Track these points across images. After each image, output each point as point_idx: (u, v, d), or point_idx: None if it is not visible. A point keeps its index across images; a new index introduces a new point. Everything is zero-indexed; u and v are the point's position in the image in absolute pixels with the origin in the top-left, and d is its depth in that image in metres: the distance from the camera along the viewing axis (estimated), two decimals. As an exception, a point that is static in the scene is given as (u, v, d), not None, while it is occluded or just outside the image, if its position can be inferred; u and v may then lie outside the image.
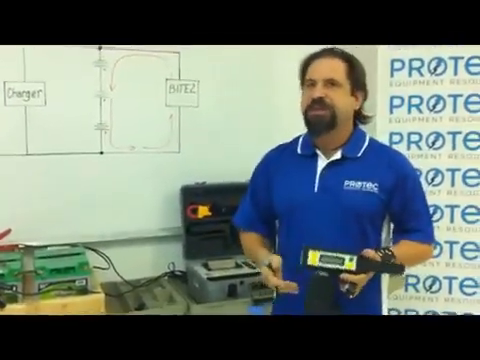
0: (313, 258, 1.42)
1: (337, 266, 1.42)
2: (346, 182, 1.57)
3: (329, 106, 1.54)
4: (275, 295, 1.56)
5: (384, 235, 1.65)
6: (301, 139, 1.70)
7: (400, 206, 1.60)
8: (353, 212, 1.56)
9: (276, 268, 1.49)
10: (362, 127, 1.70)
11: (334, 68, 1.56)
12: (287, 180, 1.65)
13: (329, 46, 1.64)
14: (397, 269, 1.48)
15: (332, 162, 1.60)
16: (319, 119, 1.55)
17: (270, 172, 1.71)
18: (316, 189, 1.59)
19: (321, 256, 1.42)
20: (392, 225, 1.70)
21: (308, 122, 1.59)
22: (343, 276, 1.41)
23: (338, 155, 1.60)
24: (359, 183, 1.56)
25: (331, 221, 1.56)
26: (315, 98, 1.54)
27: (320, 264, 1.42)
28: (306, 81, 1.60)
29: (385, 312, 1.69)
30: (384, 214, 1.62)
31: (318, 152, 1.62)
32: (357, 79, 1.59)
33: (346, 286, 1.42)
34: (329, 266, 1.42)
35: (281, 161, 1.70)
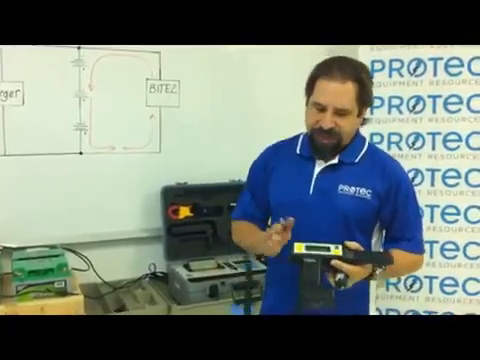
0: (299, 248, 1.42)
1: (324, 252, 1.42)
2: (340, 186, 1.58)
3: (337, 135, 1.54)
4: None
5: (374, 241, 1.66)
6: (301, 139, 1.69)
7: (391, 213, 1.60)
8: (345, 216, 1.57)
9: (289, 223, 1.45)
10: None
11: (345, 95, 1.51)
12: (284, 178, 1.66)
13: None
14: (385, 260, 1.48)
15: (329, 166, 1.61)
16: (324, 147, 1.56)
17: (268, 168, 1.70)
18: (311, 191, 1.60)
19: (306, 246, 1.43)
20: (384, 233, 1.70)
21: (314, 146, 1.59)
22: (335, 262, 1.40)
23: (335, 160, 1.60)
24: (353, 188, 1.57)
25: (323, 223, 1.57)
26: (325, 129, 1.53)
27: (306, 251, 1.42)
28: (314, 102, 1.55)
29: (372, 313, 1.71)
30: (375, 220, 1.63)
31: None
32: (366, 100, 1.57)
33: (338, 276, 1.41)
34: (316, 253, 1.42)
35: (279, 159, 1.70)
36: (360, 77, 1.52)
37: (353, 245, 1.44)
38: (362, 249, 1.45)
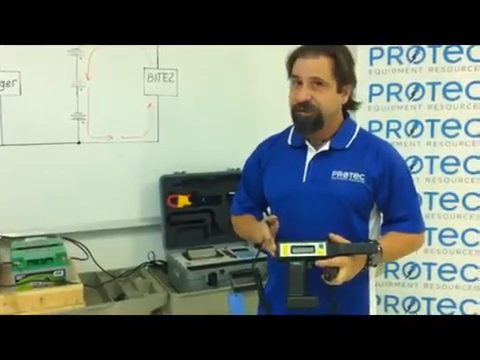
0: (285, 250, 1.46)
1: (309, 254, 1.45)
2: (333, 173, 1.58)
3: (315, 108, 1.54)
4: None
5: (372, 225, 1.66)
6: (292, 130, 1.70)
7: (387, 196, 1.61)
8: (340, 202, 1.57)
9: (272, 220, 1.55)
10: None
11: (319, 67, 1.53)
12: (277, 171, 1.67)
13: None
14: (369, 248, 1.49)
15: (320, 153, 1.61)
16: (305, 121, 1.56)
17: (261, 164, 1.72)
18: (304, 179, 1.60)
19: (292, 247, 1.46)
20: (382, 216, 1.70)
21: (294, 121, 1.60)
22: (318, 263, 1.45)
23: (326, 147, 1.61)
24: (346, 173, 1.57)
25: (318, 211, 1.58)
26: (301, 102, 1.54)
27: (292, 255, 1.46)
28: (292, 77, 1.58)
29: (373, 300, 1.71)
30: (371, 204, 1.63)
31: (307, 143, 1.63)
32: (344, 75, 1.56)
33: (328, 271, 1.44)
34: (301, 255, 1.46)
35: (272, 152, 1.71)
36: (334, 52, 1.54)
37: (337, 238, 1.47)
38: (346, 242, 1.47)
